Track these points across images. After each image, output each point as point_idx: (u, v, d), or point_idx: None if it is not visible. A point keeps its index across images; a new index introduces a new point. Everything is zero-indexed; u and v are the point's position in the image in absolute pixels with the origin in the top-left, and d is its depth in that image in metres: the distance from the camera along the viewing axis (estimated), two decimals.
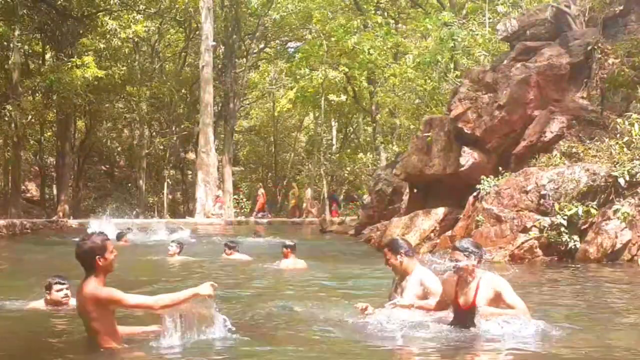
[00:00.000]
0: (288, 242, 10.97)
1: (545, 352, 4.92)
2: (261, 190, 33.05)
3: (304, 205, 32.05)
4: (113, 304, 4.57)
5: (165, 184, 36.48)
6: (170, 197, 37.64)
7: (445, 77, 20.40)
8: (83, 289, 4.56)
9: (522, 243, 11.37)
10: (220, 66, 35.40)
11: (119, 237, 15.17)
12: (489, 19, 20.80)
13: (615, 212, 10.70)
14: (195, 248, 14.82)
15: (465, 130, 14.44)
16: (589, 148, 12.64)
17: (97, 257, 4.54)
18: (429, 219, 14.46)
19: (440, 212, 14.48)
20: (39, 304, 6.59)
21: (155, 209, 36.14)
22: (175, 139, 37.03)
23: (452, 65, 21.18)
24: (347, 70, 30.44)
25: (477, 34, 20.21)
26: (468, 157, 14.18)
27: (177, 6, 33.14)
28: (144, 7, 31.16)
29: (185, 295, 4.59)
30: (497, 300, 5.17)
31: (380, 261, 6.28)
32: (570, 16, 15.45)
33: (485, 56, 19.58)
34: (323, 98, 32.97)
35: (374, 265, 10.13)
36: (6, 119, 26.21)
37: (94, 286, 4.52)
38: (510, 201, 12.14)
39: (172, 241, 12.74)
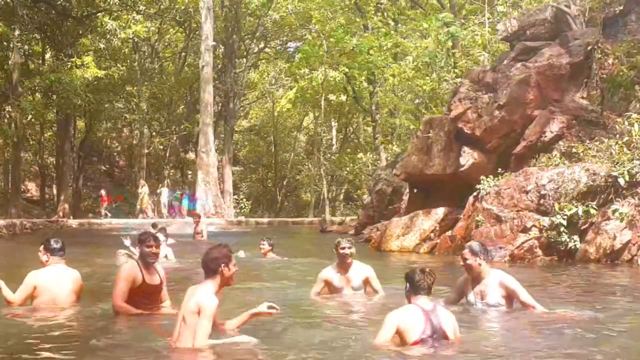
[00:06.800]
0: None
1: (546, 351, 4.92)
2: (103, 191, 31.65)
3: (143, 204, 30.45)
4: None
5: (165, 183, 36.47)
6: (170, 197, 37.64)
7: (444, 77, 20.40)
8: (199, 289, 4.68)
9: (522, 243, 11.37)
10: (220, 66, 35.42)
11: None
12: (489, 19, 20.80)
13: (614, 212, 10.69)
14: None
15: (465, 130, 14.45)
16: (589, 148, 12.63)
17: (222, 265, 4.65)
18: (429, 219, 14.44)
19: (440, 212, 14.47)
20: None
21: (155, 210, 36.10)
22: (175, 139, 37.07)
23: (452, 64, 21.18)
24: (347, 70, 30.43)
25: (477, 34, 20.23)
26: (468, 157, 14.18)
27: (176, 6, 33.14)
28: (143, 7, 31.17)
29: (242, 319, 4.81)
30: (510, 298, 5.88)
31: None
32: (570, 16, 15.47)
33: (485, 56, 19.58)
34: (323, 98, 32.96)
35: None
36: (6, 119, 26.21)
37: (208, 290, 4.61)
38: (510, 201, 12.13)
39: (158, 231, 11.85)
